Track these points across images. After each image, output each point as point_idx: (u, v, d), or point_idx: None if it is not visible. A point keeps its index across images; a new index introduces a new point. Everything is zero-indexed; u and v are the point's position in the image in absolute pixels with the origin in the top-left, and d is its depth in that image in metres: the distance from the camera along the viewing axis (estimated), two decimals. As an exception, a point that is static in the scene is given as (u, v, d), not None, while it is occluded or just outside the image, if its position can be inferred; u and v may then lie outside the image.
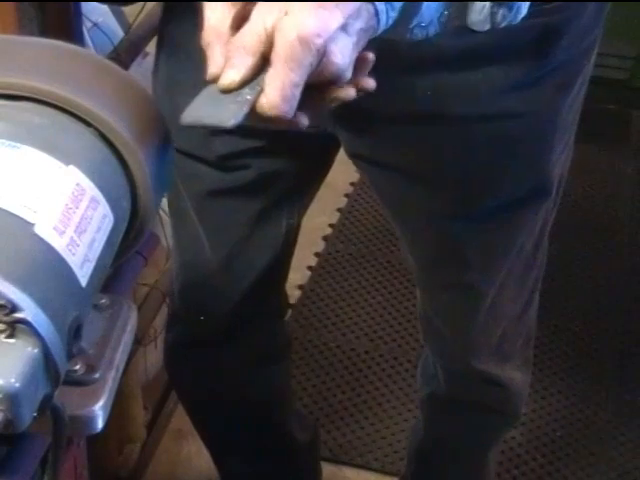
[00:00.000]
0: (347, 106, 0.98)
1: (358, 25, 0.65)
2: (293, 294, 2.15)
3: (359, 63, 0.67)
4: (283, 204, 1.15)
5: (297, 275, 2.19)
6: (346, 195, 2.47)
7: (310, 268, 2.24)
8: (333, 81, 0.65)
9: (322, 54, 0.63)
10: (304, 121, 0.66)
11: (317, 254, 2.29)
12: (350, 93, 0.67)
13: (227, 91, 0.64)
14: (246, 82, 0.64)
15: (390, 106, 0.97)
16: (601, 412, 1.94)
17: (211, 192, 1.12)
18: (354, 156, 1.08)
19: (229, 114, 0.63)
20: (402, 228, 1.16)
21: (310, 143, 1.07)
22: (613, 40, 2.75)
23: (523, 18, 0.90)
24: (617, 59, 2.81)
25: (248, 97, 0.63)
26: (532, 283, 1.22)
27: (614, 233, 2.41)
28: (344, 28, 0.64)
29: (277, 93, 0.62)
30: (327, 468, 1.71)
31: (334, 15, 0.63)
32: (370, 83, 0.69)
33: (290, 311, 2.10)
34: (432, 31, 0.73)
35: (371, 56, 0.69)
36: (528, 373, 1.35)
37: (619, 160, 2.67)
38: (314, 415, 1.88)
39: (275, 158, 1.10)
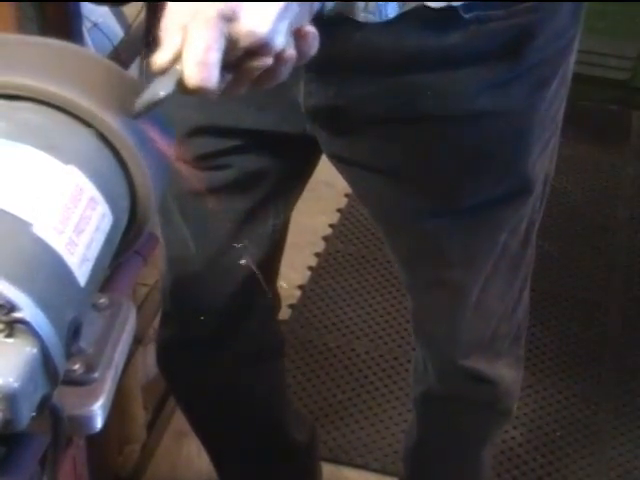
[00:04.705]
0: (325, 106, 0.99)
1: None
2: (293, 294, 2.15)
3: (299, 39, 0.68)
4: (269, 204, 1.15)
5: (297, 275, 2.20)
6: (346, 195, 2.47)
7: (310, 268, 2.24)
8: (260, 52, 0.66)
9: (233, 17, 0.64)
10: (236, 92, 0.67)
11: (317, 254, 2.29)
12: (266, 62, 0.67)
13: (162, 71, 0.65)
14: (178, 59, 0.65)
15: (368, 107, 0.98)
16: (601, 412, 1.94)
17: (194, 192, 1.12)
18: (333, 157, 1.09)
19: (161, 87, 0.64)
20: (383, 227, 1.17)
21: (289, 143, 1.08)
22: (614, 40, 2.76)
23: (496, 18, 0.91)
24: (618, 59, 2.81)
25: (177, 67, 0.64)
26: (520, 281, 1.22)
27: (614, 233, 2.41)
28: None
29: (192, 60, 0.63)
30: (327, 468, 1.71)
31: None
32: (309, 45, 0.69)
33: (290, 311, 2.10)
34: (391, 12, 0.72)
35: (311, 30, 0.69)
36: (519, 371, 1.36)
37: (619, 160, 2.67)
38: (314, 415, 1.88)
39: (256, 157, 1.10)
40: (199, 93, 0.64)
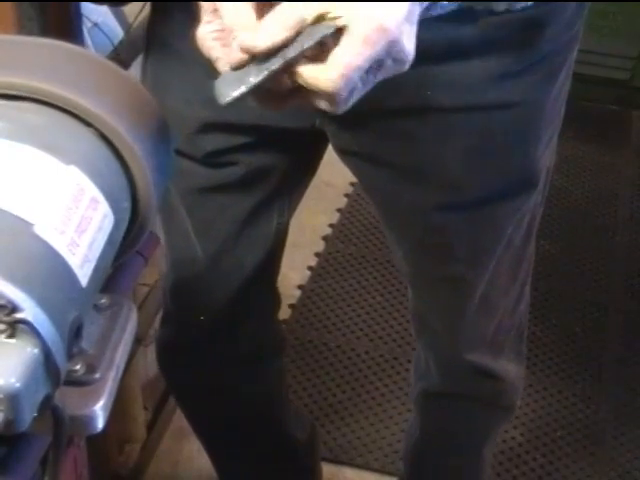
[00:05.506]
0: None
1: (415, 14, 0.66)
2: (293, 294, 2.15)
3: None
4: (273, 202, 1.15)
5: (297, 275, 2.20)
6: (346, 195, 2.47)
7: (310, 268, 2.24)
8: (397, 70, 0.67)
9: (392, 47, 0.64)
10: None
11: (317, 254, 2.29)
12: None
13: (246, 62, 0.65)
14: (270, 54, 0.64)
15: (377, 99, 0.97)
16: (601, 412, 1.94)
17: (200, 189, 1.12)
18: (342, 151, 1.09)
19: (228, 90, 0.64)
20: (390, 223, 1.17)
21: (298, 138, 1.08)
22: (614, 40, 2.76)
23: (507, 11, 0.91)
24: (618, 59, 2.81)
25: (252, 80, 0.64)
26: (523, 276, 1.22)
27: (614, 233, 2.42)
28: (407, 19, 0.65)
29: (337, 69, 0.63)
30: (327, 468, 1.72)
31: (403, 6, 0.64)
32: None
33: (290, 311, 2.10)
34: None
35: None
36: (522, 366, 1.36)
37: (619, 160, 2.68)
38: (314, 415, 1.88)
39: (263, 154, 1.10)
40: (324, 99, 0.65)
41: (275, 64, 0.64)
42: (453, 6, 0.73)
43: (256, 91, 0.66)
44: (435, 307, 1.23)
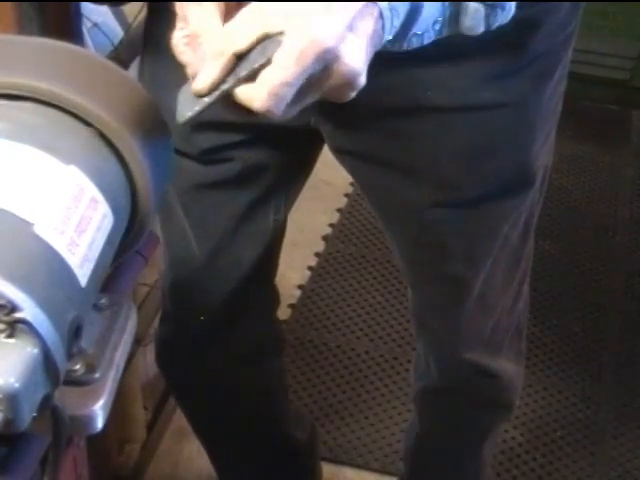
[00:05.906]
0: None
1: (364, 27, 0.64)
2: (293, 294, 2.15)
3: None
4: (270, 199, 1.15)
5: (297, 275, 2.20)
6: (346, 195, 2.47)
7: (310, 268, 2.24)
8: (347, 85, 0.65)
9: (330, 59, 0.63)
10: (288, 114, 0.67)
11: (317, 254, 2.29)
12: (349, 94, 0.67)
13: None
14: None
15: (374, 100, 0.98)
16: (601, 412, 1.94)
17: (196, 186, 1.13)
18: (337, 151, 1.09)
19: (184, 110, 0.65)
20: (387, 221, 1.17)
21: (293, 136, 1.08)
22: (614, 40, 2.76)
23: None
24: (618, 59, 2.81)
25: (206, 100, 0.65)
26: (520, 275, 1.22)
27: (614, 233, 2.42)
28: (351, 29, 0.63)
29: (265, 87, 0.62)
30: (327, 468, 1.72)
31: (341, 17, 0.63)
32: None
33: (290, 311, 2.10)
34: (427, 39, 0.74)
35: None
36: (521, 365, 1.36)
37: (619, 160, 2.67)
38: (314, 415, 1.88)
39: (259, 151, 1.10)
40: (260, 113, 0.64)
41: (228, 83, 0.64)
42: (431, 37, 0.73)
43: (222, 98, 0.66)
44: (433, 305, 1.24)
